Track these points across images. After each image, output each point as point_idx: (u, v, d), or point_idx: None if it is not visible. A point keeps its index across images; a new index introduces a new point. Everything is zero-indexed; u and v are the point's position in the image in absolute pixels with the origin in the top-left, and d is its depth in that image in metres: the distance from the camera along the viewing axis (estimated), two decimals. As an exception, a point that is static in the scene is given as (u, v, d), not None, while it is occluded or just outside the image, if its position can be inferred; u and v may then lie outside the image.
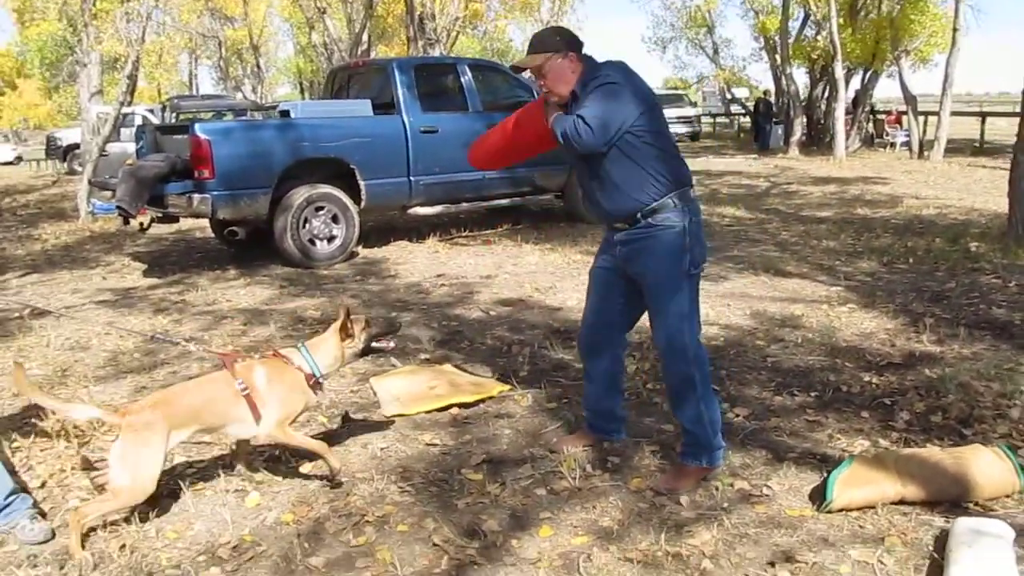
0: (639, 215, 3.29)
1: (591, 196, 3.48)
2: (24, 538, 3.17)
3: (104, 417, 3.28)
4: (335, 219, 8.63)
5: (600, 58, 3.41)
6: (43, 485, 3.68)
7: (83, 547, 3.05)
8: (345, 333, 3.57)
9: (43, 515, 3.34)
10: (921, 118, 21.87)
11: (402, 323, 4.89)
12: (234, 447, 3.77)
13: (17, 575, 2.98)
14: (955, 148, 20.50)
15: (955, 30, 19.01)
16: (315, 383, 3.51)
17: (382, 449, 3.93)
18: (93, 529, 3.18)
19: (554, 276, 7.58)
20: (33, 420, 4.28)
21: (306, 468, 3.72)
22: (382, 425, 4.22)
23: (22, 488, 3.43)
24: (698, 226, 3.35)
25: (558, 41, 3.33)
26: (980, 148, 21.73)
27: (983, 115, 23.56)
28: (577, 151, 3.24)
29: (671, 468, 3.55)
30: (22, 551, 3.13)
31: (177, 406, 3.30)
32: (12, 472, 3.52)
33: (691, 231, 3.29)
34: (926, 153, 19.76)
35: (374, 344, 3.69)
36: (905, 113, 22.05)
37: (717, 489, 3.42)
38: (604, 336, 3.68)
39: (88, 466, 3.69)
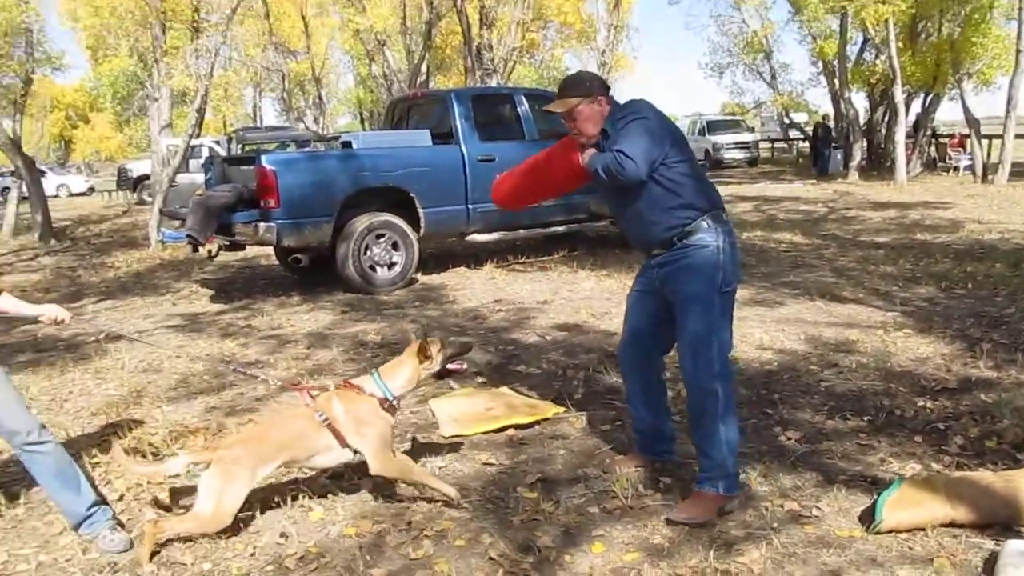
0: (675, 238, 3.40)
1: (629, 227, 3.63)
2: (105, 547, 3.38)
3: (197, 459, 3.45)
4: (395, 246, 8.86)
5: (648, 94, 3.57)
6: (121, 498, 3.90)
7: (151, 559, 3.25)
8: (423, 355, 3.72)
9: (122, 526, 3.55)
10: (985, 141, 21.51)
11: (474, 344, 4.96)
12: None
13: (99, 581, 3.17)
14: (1020, 172, 20.10)
15: (1019, 51, 18.69)
16: (389, 406, 3.64)
17: (440, 468, 4.07)
18: (170, 540, 3.37)
19: (609, 302, 7.68)
20: (110, 438, 4.51)
21: (366, 485, 3.87)
22: (441, 446, 4.36)
23: (102, 500, 3.64)
24: (732, 246, 3.43)
25: (588, 86, 3.48)
26: (1046, 171, 21.27)
27: (1049, 137, 23.05)
28: (619, 183, 3.34)
29: (689, 498, 3.54)
30: (103, 559, 3.33)
31: (266, 443, 3.49)
32: (93, 486, 3.73)
33: (724, 250, 3.39)
34: (990, 177, 19.41)
35: (449, 366, 3.83)
36: (968, 136, 21.70)
37: (767, 509, 3.49)
38: (642, 357, 3.78)
39: (174, 499, 3.83)
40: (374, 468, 3.57)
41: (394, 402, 3.66)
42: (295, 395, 4.51)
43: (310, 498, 3.78)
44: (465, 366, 4.01)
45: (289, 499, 3.76)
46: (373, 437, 3.56)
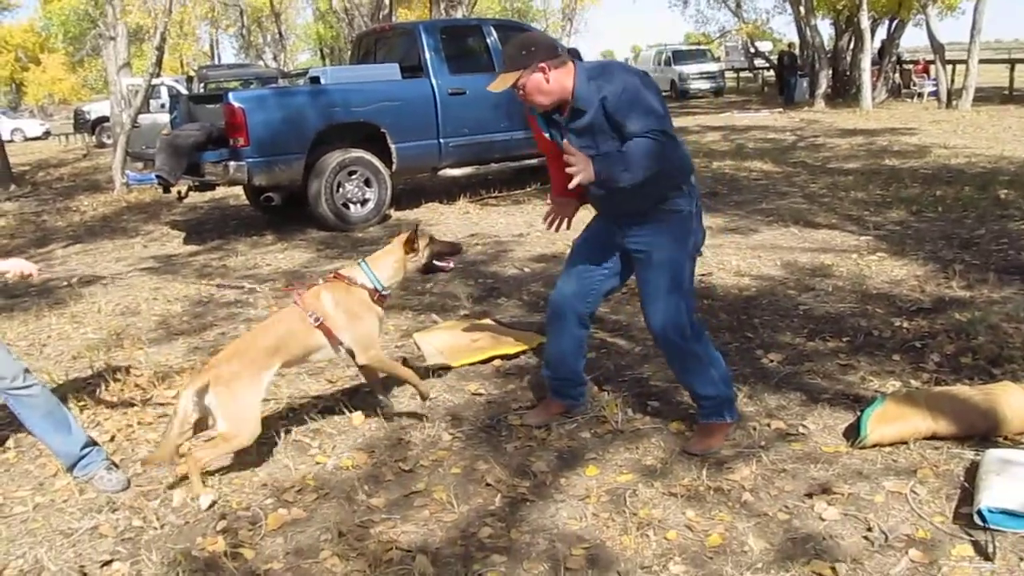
0: (655, 204, 3.23)
1: (604, 198, 3.32)
2: (103, 487, 3.39)
3: (198, 384, 3.34)
4: (368, 183, 8.79)
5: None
6: (112, 439, 3.90)
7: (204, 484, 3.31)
8: (410, 247, 3.71)
9: (116, 466, 3.56)
10: (949, 67, 21.58)
11: (463, 247, 4.84)
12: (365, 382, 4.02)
13: (99, 519, 3.19)
14: (984, 96, 20.25)
15: (983, -24, 18.70)
16: (379, 297, 3.65)
17: (431, 399, 4.10)
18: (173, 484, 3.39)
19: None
20: (96, 381, 4.50)
21: (358, 420, 3.91)
22: (428, 376, 4.40)
23: (94, 442, 3.63)
24: (700, 210, 3.33)
25: (525, 56, 3.08)
26: (1009, 96, 21.46)
27: (1012, 62, 23.21)
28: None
29: (697, 430, 3.52)
30: (100, 498, 3.34)
31: (257, 350, 3.45)
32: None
33: (696, 215, 3.30)
34: (954, 102, 19.53)
35: (436, 262, 3.83)
36: (932, 62, 21.74)
37: (754, 429, 3.58)
38: (580, 304, 3.57)
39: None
40: (361, 359, 3.61)
41: (384, 292, 3.66)
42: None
43: (304, 434, 3.81)
44: (453, 264, 4.02)
45: (283, 433, 3.79)
46: (363, 330, 3.59)
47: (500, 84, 3.15)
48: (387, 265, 3.70)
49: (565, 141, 3.11)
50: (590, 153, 3.04)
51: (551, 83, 3.08)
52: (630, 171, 2.97)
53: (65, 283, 7.02)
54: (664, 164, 3.03)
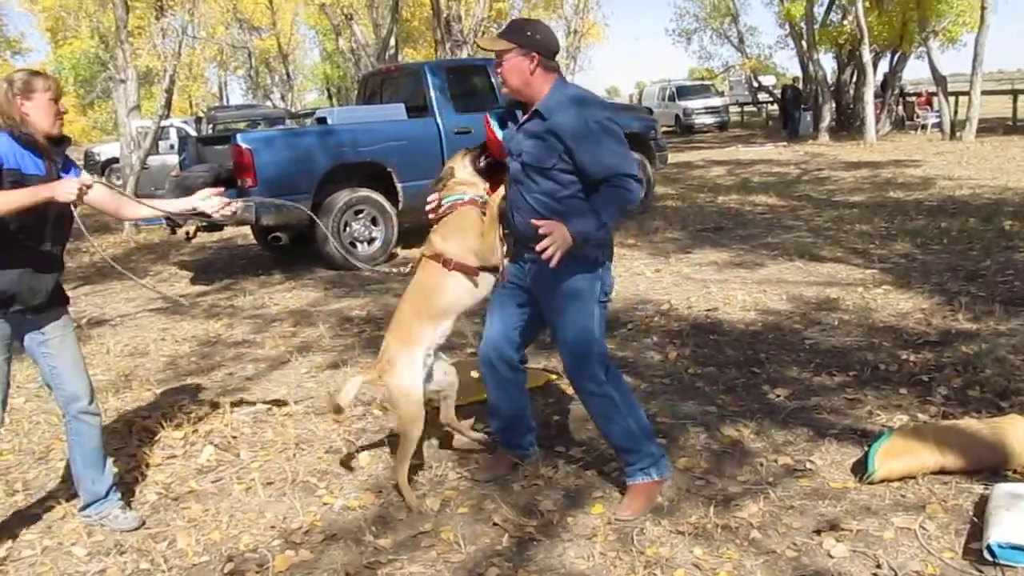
0: None
1: (523, 216, 3.21)
2: (116, 526, 3.41)
3: (368, 378, 3.59)
4: (374, 221, 8.85)
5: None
6: (121, 479, 3.90)
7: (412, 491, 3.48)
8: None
9: (128, 506, 3.57)
10: (952, 98, 21.71)
11: None
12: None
13: (107, 562, 3.20)
14: (987, 127, 20.34)
15: (983, 8, 18.87)
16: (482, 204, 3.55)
17: (437, 438, 4.10)
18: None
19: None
20: (105, 423, 4.51)
21: (364, 461, 3.91)
22: (433, 415, 4.38)
23: (115, 485, 3.62)
24: (608, 258, 3.25)
25: (528, 37, 3.10)
26: (1013, 126, 21.53)
27: (1015, 93, 23.32)
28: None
29: (626, 492, 3.34)
30: (108, 540, 3.35)
31: (410, 325, 3.51)
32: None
33: (603, 261, 3.22)
34: (958, 133, 19.63)
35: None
36: (935, 94, 21.90)
37: (762, 465, 3.57)
38: (507, 348, 3.52)
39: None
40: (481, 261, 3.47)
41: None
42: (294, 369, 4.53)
43: (311, 475, 3.82)
44: None
45: (291, 476, 3.79)
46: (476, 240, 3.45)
47: (489, 43, 3.22)
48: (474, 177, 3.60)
49: (545, 227, 2.97)
50: (527, 158, 3.12)
51: (532, 75, 3.11)
52: (606, 227, 3.04)
53: (75, 324, 7.05)
54: (632, 207, 3.05)
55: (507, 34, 3.19)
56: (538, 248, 2.94)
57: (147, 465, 4.06)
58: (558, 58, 3.30)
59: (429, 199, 3.57)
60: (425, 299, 3.53)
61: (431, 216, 3.59)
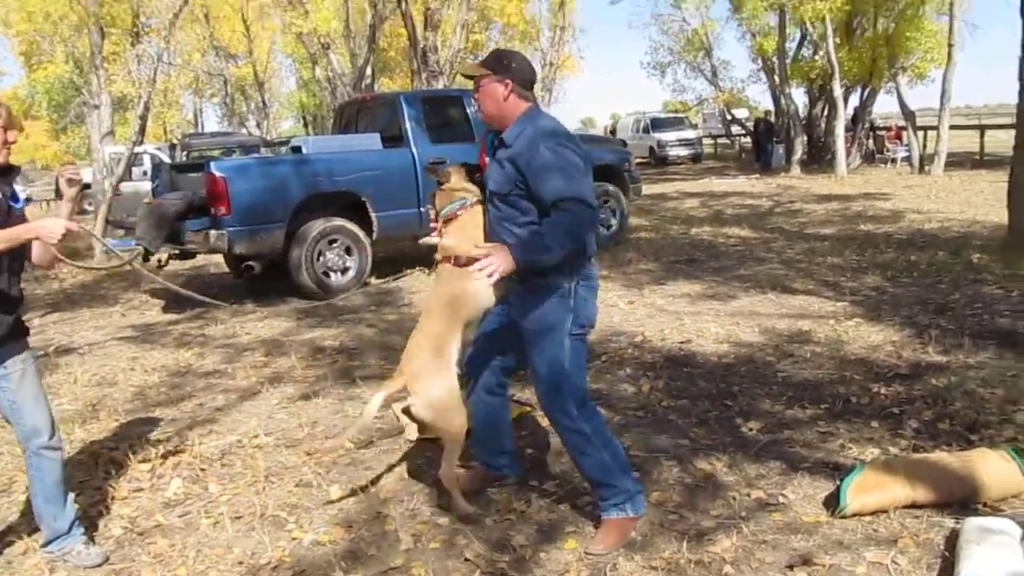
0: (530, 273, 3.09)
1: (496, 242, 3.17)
2: (79, 562, 3.33)
3: (392, 390, 3.56)
4: (348, 251, 8.83)
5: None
6: (85, 513, 3.82)
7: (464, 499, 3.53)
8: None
9: (92, 541, 3.49)
10: (921, 133, 22.08)
11: None
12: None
13: (69, 600, 3.12)
14: (955, 161, 20.66)
15: (950, 45, 19.24)
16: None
17: (409, 472, 4.07)
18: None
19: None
20: (70, 455, 4.44)
21: (336, 494, 3.87)
22: (408, 449, 4.36)
23: (77, 519, 3.54)
24: (588, 289, 3.20)
25: (503, 65, 3.20)
26: (980, 160, 21.87)
27: (982, 128, 23.72)
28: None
29: (600, 526, 3.32)
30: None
31: (435, 335, 3.44)
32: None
33: (577, 293, 3.16)
34: (927, 167, 19.92)
35: None
36: (905, 128, 22.26)
37: (734, 499, 3.56)
38: (486, 372, 3.61)
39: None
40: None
41: None
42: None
43: (280, 508, 3.76)
44: None
45: (260, 510, 3.74)
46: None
47: (469, 69, 3.33)
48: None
49: (477, 249, 3.07)
50: (492, 185, 3.21)
51: (506, 102, 3.18)
52: (552, 251, 2.97)
53: (41, 352, 6.94)
54: (588, 233, 3.08)
55: (485, 61, 3.29)
56: (471, 269, 2.97)
57: (113, 498, 3.99)
58: (535, 90, 3.35)
59: (429, 211, 3.62)
60: (447, 304, 3.48)
61: (433, 225, 3.61)
